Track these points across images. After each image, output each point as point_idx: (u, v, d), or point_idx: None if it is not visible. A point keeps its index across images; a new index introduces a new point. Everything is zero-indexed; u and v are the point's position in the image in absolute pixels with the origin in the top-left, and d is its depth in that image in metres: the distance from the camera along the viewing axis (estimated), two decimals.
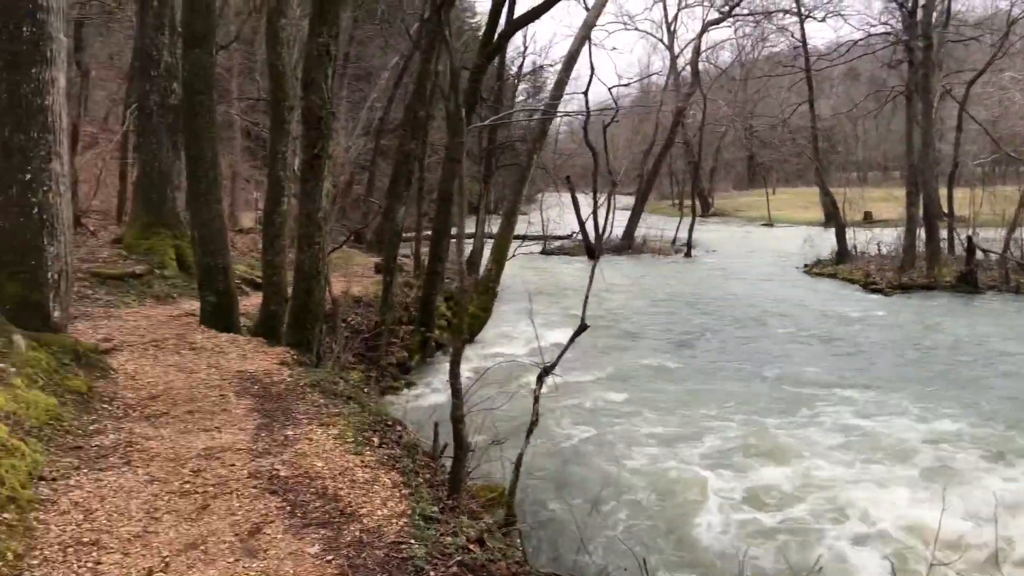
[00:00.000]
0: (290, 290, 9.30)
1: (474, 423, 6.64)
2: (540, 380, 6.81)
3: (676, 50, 43.41)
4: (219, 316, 9.40)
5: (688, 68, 40.79)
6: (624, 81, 38.03)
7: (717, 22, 39.11)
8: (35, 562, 3.93)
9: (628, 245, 34.59)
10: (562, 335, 13.66)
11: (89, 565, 3.94)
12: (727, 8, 37.76)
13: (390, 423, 6.41)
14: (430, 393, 12.80)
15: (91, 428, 5.84)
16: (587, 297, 6.89)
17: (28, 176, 7.06)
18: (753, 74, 50.58)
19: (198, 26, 9.39)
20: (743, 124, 49.02)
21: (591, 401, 11.69)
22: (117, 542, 4.16)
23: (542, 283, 24.52)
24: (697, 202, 41.86)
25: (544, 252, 33.30)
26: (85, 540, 4.16)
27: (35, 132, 7.08)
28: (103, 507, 4.49)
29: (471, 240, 22.47)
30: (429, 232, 17.61)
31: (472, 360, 15.18)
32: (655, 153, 37.68)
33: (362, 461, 5.29)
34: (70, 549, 4.08)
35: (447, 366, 14.69)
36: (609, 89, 10.21)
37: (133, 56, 16.83)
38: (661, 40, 48.10)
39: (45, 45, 7.14)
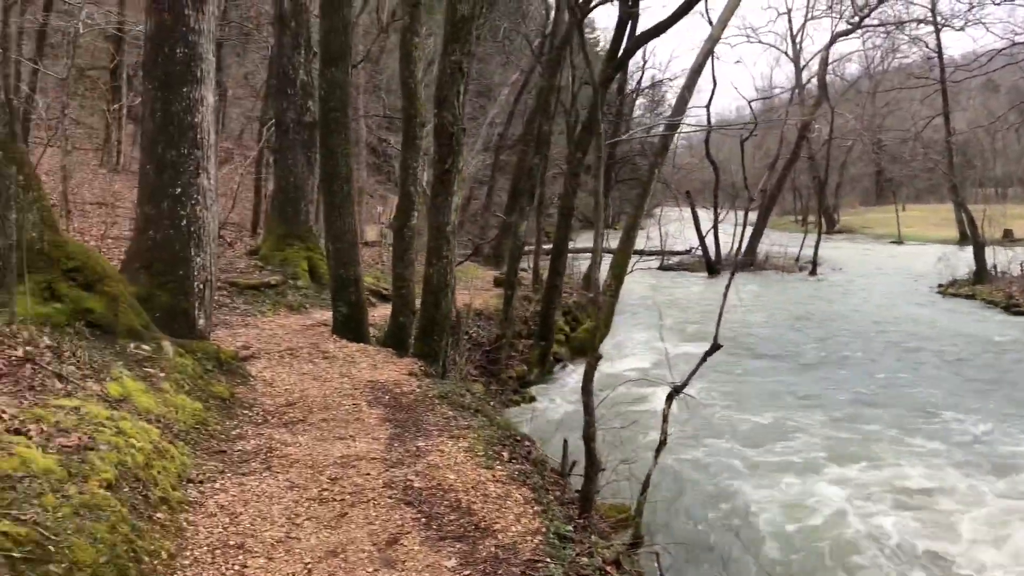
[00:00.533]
0: (418, 302, 9.45)
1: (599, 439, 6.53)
2: (670, 399, 6.67)
3: (801, 63, 42.19)
4: (350, 326, 9.64)
5: (814, 81, 39.63)
6: (756, 96, 37.19)
7: (846, 33, 37.76)
8: (186, 562, 4.09)
9: (750, 262, 33.68)
10: (680, 350, 13.51)
11: (236, 568, 4.06)
12: (857, 19, 36.49)
13: (518, 438, 6.41)
14: (551, 407, 12.77)
15: (233, 433, 6.06)
16: (721, 315, 6.71)
17: (178, 190, 7.44)
18: (882, 86, 48.68)
19: (334, 46, 9.72)
20: (871, 138, 47.14)
21: (714, 419, 11.41)
22: (261, 546, 4.28)
23: (659, 298, 24.18)
24: (822, 218, 40.38)
25: (662, 267, 32.90)
26: (231, 543, 4.30)
27: (185, 148, 7.45)
28: (247, 511, 4.63)
29: (589, 255, 22.47)
30: (547, 247, 17.72)
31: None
32: (778, 168, 36.70)
33: (493, 475, 5.29)
34: (218, 551, 4.22)
35: (567, 380, 14.77)
36: (749, 103, 10.09)
37: (269, 75, 17.59)
38: (786, 53, 46.87)
39: (196, 65, 7.53)
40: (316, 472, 5.28)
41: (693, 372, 6.70)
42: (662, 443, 6.58)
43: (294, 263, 13.17)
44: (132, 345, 6.62)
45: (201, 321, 7.61)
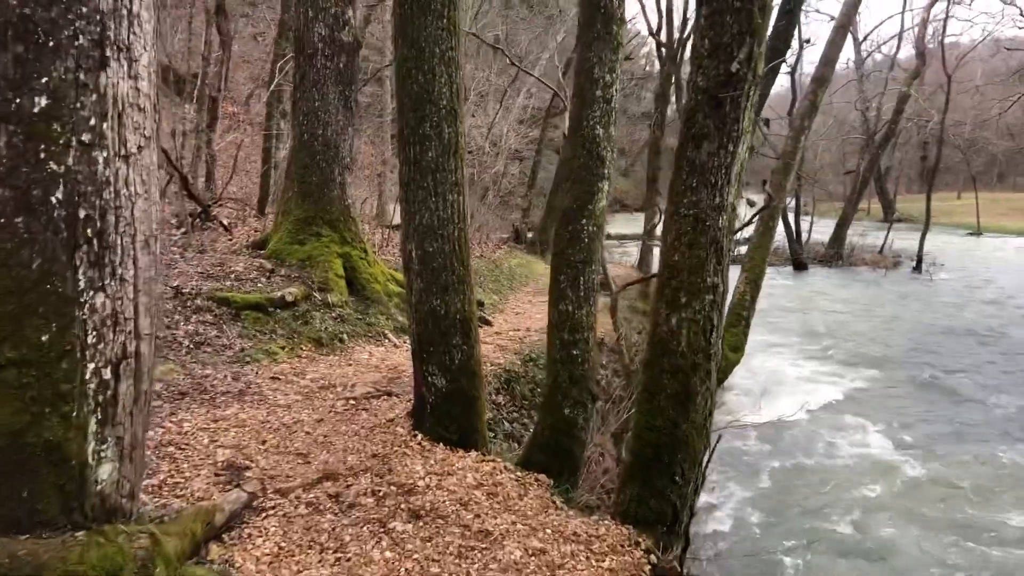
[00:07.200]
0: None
1: None
2: None
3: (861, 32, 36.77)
4: (451, 415, 4.68)
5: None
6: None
7: None
8: None
9: (837, 255, 28.74)
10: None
11: None
12: None
13: None
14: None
15: None
16: None
17: (41, 104, 2.55)
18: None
19: None
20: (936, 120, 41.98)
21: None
22: None
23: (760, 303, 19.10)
24: (877, 205, 34.97)
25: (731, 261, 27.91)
26: None
27: None
28: None
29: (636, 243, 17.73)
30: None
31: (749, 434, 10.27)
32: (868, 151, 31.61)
33: None
34: None
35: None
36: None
37: None
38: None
39: None
40: None
41: None
42: None
43: (322, 264, 8.14)
44: None
45: (104, 470, 2.72)
